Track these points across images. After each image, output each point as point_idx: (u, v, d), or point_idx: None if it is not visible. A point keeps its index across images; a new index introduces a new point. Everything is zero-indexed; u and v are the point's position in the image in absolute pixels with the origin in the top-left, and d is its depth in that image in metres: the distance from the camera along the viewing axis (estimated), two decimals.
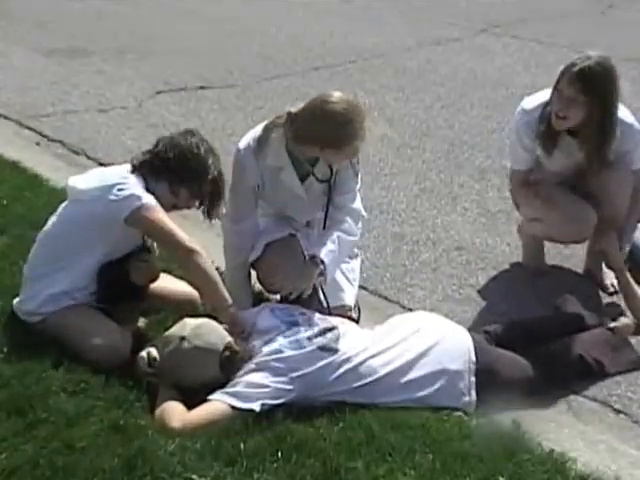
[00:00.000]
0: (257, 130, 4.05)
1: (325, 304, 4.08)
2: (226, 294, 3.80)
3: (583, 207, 4.55)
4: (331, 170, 4.05)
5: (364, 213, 4.34)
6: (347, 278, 4.26)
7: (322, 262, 3.94)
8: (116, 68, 8.20)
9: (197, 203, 4.00)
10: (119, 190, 3.72)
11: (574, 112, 4.24)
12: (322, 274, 3.96)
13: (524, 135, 4.48)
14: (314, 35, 9.29)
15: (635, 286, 4.48)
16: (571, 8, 10.68)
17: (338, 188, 4.10)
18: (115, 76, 8.00)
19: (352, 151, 3.88)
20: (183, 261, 3.83)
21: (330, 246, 4.01)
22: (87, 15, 9.93)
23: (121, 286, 3.88)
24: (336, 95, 3.90)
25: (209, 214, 4.01)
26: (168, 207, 3.90)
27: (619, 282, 4.57)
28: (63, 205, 3.97)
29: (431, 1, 10.97)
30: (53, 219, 3.97)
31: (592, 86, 4.16)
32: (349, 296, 4.23)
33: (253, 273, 4.30)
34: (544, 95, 4.42)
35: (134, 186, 3.76)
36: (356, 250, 4.43)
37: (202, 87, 7.76)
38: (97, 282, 3.87)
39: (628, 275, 4.50)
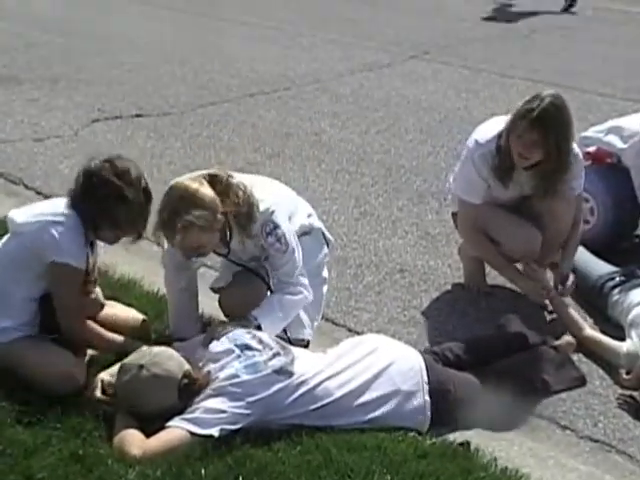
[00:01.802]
0: None
1: (285, 335, 4.10)
2: (117, 339, 3.89)
3: (530, 230, 4.68)
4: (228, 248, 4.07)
5: (325, 275, 4.38)
6: (308, 314, 4.23)
7: (256, 319, 3.93)
8: (49, 97, 8.13)
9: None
10: (55, 231, 3.68)
11: (535, 152, 4.36)
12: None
13: (481, 168, 4.53)
14: (247, 62, 9.31)
15: (567, 306, 4.61)
16: (494, 34, 10.90)
17: (271, 265, 4.08)
18: (49, 104, 7.93)
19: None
20: (65, 328, 3.80)
21: (270, 308, 3.99)
22: (18, 44, 9.81)
23: None
24: None
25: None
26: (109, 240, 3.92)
27: (552, 304, 4.69)
28: (4, 238, 3.93)
29: (359, 28, 11.07)
30: None
31: (551, 128, 4.29)
32: (309, 331, 4.24)
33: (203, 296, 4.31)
34: (495, 127, 4.52)
35: (67, 233, 3.70)
36: (325, 274, 4.42)
37: (138, 115, 7.72)
38: (40, 313, 3.84)
39: (560, 297, 4.66)
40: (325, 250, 4.38)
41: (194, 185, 3.80)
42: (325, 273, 4.40)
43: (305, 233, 4.24)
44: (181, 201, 3.76)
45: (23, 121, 7.51)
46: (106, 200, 3.74)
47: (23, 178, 6.35)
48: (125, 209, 3.76)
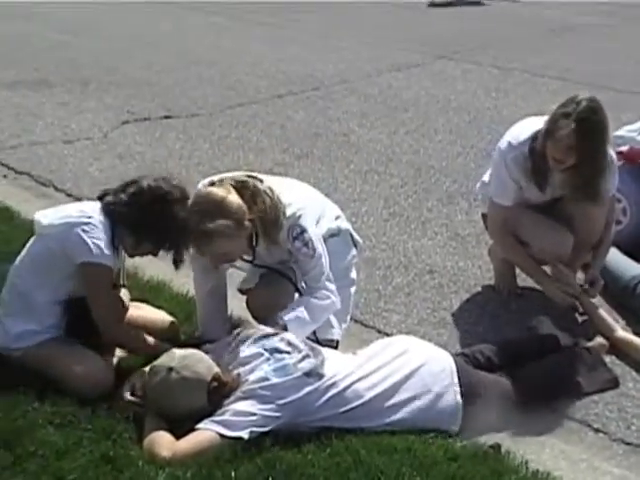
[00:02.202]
0: None
1: (314, 336, 4.08)
2: (153, 341, 3.90)
3: (561, 232, 4.64)
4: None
5: (354, 276, 4.34)
6: (336, 315, 4.18)
7: (284, 321, 3.90)
8: (80, 99, 8.20)
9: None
10: (82, 232, 3.68)
11: (571, 156, 4.30)
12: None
13: (514, 170, 4.50)
14: (275, 64, 9.34)
15: (598, 308, 4.57)
16: (527, 33, 10.82)
17: (300, 269, 4.06)
18: (79, 107, 7.99)
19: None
20: (103, 327, 3.80)
21: (298, 312, 3.95)
22: (46, 48, 9.89)
23: (90, 320, 3.83)
24: None
25: (175, 262, 3.91)
26: (131, 252, 3.91)
27: (583, 306, 4.65)
28: (31, 241, 3.94)
29: (387, 29, 11.05)
30: (22, 254, 3.94)
31: (588, 133, 4.23)
32: (338, 331, 4.21)
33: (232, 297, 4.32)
34: (528, 128, 4.48)
35: (97, 234, 3.70)
36: (354, 276, 4.38)
37: (167, 117, 7.77)
38: (66, 316, 3.85)
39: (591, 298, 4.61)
40: (353, 252, 4.35)
41: (221, 193, 3.79)
42: (353, 274, 4.37)
43: (333, 235, 4.21)
44: (208, 210, 3.75)
45: (53, 123, 7.58)
46: (161, 218, 3.76)
47: (53, 180, 6.40)
48: (176, 228, 3.78)
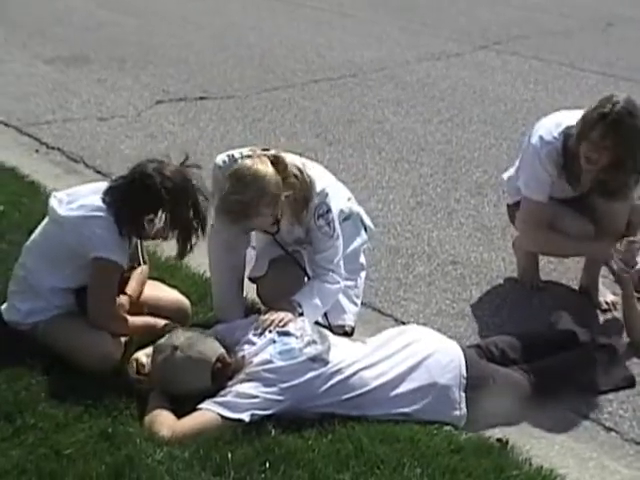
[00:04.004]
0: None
1: (326, 322, 4.10)
2: (148, 321, 3.91)
3: (585, 224, 4.61)
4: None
5: (363, 261, 4.36)
6: (349, 299, 4.24)
7: (300, 305, 3.93)
8: (117, 77, 8.23)
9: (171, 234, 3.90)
10: (96, 227, 3.70)
11: (605, 156, 4.27)
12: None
13: (547, 164, 4.45)
14: (314, 48, 9.31)
15: (637, 310, 4.43)
16: (571, 25, 10.69)
17: (313, 247, 4.07)
18: (115, 85, 8.02)
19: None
20: (91, 317, 3.80)
21: (310, 295, 3.98)
22: (88, 24, 9.94)
23: None
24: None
25: (181, 250, 3.88)
26: (141, 235, 3.90)
27: (624, 303, 4.49)
28: (44, 222, 3.96)
29: (430, 17, 10.96)
30: (35, 234, 3.97)
31: (624, 135, 4.19)
32: (350, 317, 4.24)
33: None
34: (561, 122, 4.44)
35: (107, 228, 3.71)
36: (363, 261, 4.40)
37: (202, 97, 7.77)
38: (79, 301, 3.86)
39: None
40: (364, 236, 4.36)
41: (262, 168, 3.79)
42: (363, 259, 4.39)
43: (346, 219, 4.23)
44: (251, 183, 3.75)
45: (89, 100, 7.62)
46: (178, 203, 3.76)
47: (84, 156, 6.45)
48: (190, 213, 3.78)
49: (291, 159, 3.98)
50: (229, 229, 3.97)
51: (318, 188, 3.96)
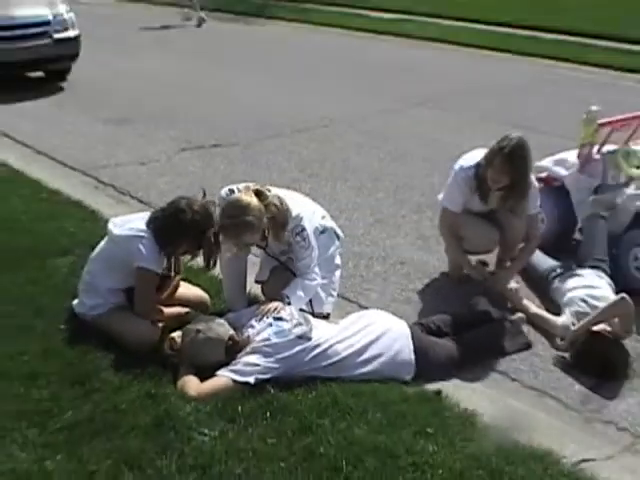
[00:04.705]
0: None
1: (311, 310, 4.10)
2: (179, 311, 3.93)
3: (490, 228, 4.70)
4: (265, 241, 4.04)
5: (338, 262, 4.34)
6: (327, 292, 4.23)
7: (288, 297, 3.93)
8: (152, 132, 8.19)
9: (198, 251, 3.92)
10: (141, 244, 3.70)
11: (504, 178, 4.36)
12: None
13: (463, 186, 4.52)
14: (295, 106, 9.30)
15: (511, 289, 4.55)
16: (476, 89, 10.70)
17: (294, 256, 4.06)
18: (151, 138, 7.99)
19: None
20: (137, 311, 3.81)
21: (295, 289, 3.98)
22: (131, 95, 9.90)
23: None
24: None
25: (207, 263, 3.91)
26: (175, 253, 3.90)
27: (495, 285, 4.61)
28: (104, 240, 3.97)
29: (376, 84, 10.96)
30: (98, 247, 3.98)
31: (517, 162, 4.30)
32: (328, 306, 4.24)
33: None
34: (476, 156, 4.51)
35: (149, 246, 3.71)
36: (338, 262, 4.38)
37: (215, 145, 7.74)
38: (127, 298, 3.87)
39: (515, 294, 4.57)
40: (337, 243, 4.35)
41: (247, 198, 3.81)
42: (338, 261, 4.38)
43: (322, 232, 4.22)
44: (239, 210, 3.77)
45: (133, 150, 7.58)
46: (198, 233, 3.79)
47: (130, 191, 6.42)
48: (207, 239, 3.82)
49: (275, 192, 3.98)
50: (232, 245, 3.97)
51: (294, 213, 3.94)
